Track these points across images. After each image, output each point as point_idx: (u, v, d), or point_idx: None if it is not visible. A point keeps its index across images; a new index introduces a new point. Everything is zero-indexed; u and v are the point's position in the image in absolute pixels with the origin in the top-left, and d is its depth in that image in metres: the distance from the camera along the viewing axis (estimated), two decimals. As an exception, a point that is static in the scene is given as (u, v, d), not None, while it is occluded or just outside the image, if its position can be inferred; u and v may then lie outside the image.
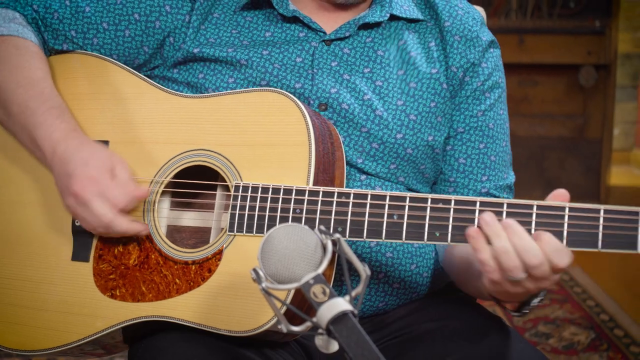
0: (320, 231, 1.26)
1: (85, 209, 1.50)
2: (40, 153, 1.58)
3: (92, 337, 1.53)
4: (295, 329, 1.21)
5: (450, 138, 1.66)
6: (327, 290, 1.19)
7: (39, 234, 1.61)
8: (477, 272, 1.45)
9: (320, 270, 1.22)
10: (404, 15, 1.65)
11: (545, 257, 1.31)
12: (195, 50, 1.63)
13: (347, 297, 1.19)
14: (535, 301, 1.42)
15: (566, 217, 1.33)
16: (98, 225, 1.51)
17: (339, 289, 1.55)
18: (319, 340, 1.19)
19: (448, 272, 1.66)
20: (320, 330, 1.18)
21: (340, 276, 1.53)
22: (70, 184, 1.51)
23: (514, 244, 1.31)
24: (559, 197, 1.35)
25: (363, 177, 1.60)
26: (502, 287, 1.35)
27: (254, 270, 1.23)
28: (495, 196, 1.66)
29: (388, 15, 1.64)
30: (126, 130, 1.60)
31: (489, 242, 1.33)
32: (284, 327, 1.22)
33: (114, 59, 1.67)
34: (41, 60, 1.65)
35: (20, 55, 1.64)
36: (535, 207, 1.35)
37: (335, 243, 1.25)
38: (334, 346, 1.18)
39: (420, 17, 1.66)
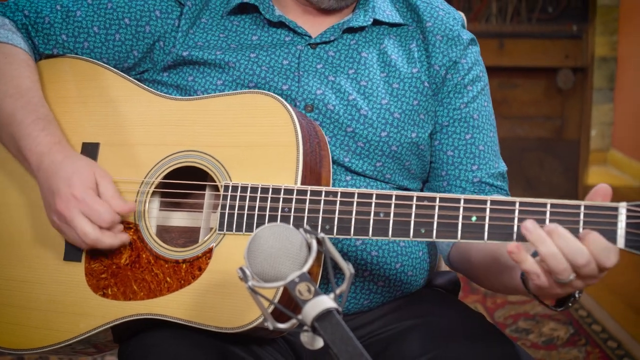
0: (305, 230, 1.27)
1: (69, 228, 1.51)
2: (26, 164, 1.59)
3: (84, 336, 1.54)
4: (282, 326, 1.22)
5: (436, 133, 1.67)
6: (312, 288, 1.20)
7: (31, 234, 1.62)
8: (504, 267, 1.46)
9: (305, 268, 1.23)
10: (387, 20, 1.67)
11: (592, 256, 1.29)
12: (185, 54, 1.64)
13: (332, 295, 1.19)
14: (577, 293, 1.40)
15: (548, 214, 1.34)
16: (83, 242, 1.51)
17: (325, 287, 1.56)
18: (305, 337, 1.20)
19: (460, 269, 1.66)
20: (305, 327, 1.19)
21: (327, 274, 1.54)
22: (54, 202, 1.51)
23: (560, 247, 1.29)
24: (600, 193, 1.33)
25: (349, 177, 1.62)
26: (549, 291, 1.34)
27: (241, 269, 1.23)
28: (488, 184, 1.68)
29: (371, 20, 1.66)
30: (117, 132, 1.61)
31: (531, 249, 1.31)
32: (270, 325, 1.23)
33: (103, 62, 1.68)
34: (30, 69, 1.65)
35: (9, 63, 1.64)
36: (517, 204, 1.36)
37: (320, 242, 1.26)
38: (319, 342, 1.19)
39: (401, 21, 1.68)
